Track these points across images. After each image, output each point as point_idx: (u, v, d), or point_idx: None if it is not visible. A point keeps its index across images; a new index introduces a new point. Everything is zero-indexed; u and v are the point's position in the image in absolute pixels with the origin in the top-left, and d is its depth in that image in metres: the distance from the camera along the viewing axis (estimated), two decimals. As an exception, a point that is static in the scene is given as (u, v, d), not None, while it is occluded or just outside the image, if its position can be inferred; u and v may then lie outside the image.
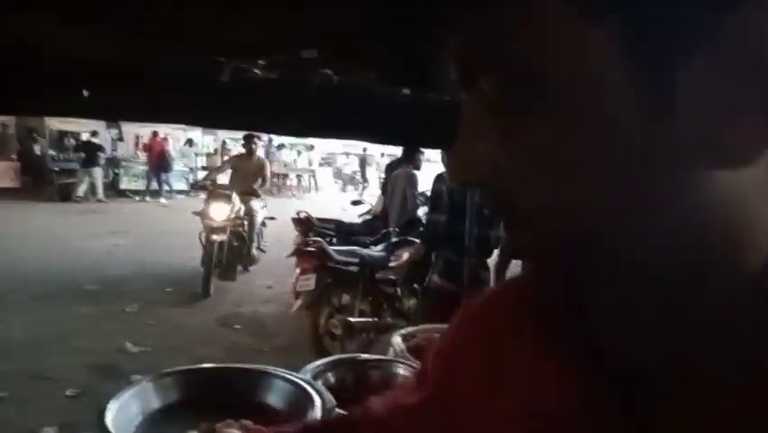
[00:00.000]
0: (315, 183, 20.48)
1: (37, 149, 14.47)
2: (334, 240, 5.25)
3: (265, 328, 5.09)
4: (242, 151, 7.00)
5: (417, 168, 5.29)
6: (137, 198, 14.51)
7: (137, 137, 16.15)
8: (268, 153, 19.26)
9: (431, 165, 6.25)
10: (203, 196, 7.15)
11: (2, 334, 4.35)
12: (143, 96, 0.92)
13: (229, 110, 0.97)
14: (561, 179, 0.31)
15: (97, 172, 13.59)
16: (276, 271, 6.55)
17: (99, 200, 13.44)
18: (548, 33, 0.30)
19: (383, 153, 17.28)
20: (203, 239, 6.02)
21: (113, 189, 14.65)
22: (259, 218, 6.87)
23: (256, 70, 0.84)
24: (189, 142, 16.80)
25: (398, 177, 5.42)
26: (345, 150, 21.57)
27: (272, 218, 7.18)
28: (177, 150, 15.95)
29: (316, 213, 6.02)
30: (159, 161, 14.80)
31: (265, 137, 18.13)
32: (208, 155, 17.67)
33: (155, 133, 15.05)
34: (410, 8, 0.39)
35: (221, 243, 6.02)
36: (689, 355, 0.33)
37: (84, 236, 8.70)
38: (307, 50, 0.73)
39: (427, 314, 2.98)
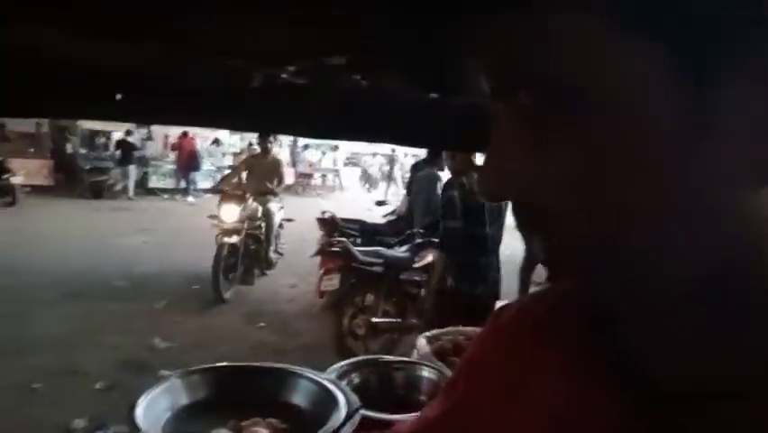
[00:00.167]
0: (340, 183, 20.60)
1: (69, 147, 14.88)
2: (359, 240, 5.27)
3: (289, 327, 5.14)
4: (259, 150, 6.78)
5: (442, 169, 5.29)
6: (165, 197, 14.78)
7: (165, 136, 16.45)
8: (293, 154, 19.47)
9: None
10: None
11: (34, 329, 4.48)
12: (173, 101, 0.94)
13: (257, 114, 0.98)
14: (599, 194, 0.31)
15: (132, 170, 14.04)
16: (299, 271, 6.61)
17: (129, 198, 13.79)
18: (590, 47, 0.30)
19: (406, 154, 17.28)
20: (217, 242, 5.87)
21: (142, 187, 15.00)
22: (276, 220, 6.72)
23: (285, 76, 0.85)
24: (216, 141, 17.05)
25: (423, 178, 5.43)
26: (371, 150, 21.63)
27: (290, 220, 7.09)
28: (204, 149, 16.23)
29: (341, 213, 6.05)
30: (188, 161, 15.11)
31: (290, 138, 18.32)
32: (235, 154, 17.91)
33: (185, 133, 15.33)
34: (440, 17, 0.39)
35: (233, 245, 5.86)
36: (720, 370, 0.33)
37: (113, 234, 8.90)
38: (336, 57, 0.74)
39: (443, 316, 3.00)
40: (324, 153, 20.84)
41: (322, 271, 4.89)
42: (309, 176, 19.49)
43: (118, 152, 14.28)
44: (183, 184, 15.26)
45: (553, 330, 0.44)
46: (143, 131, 15.98)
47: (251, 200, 6.16)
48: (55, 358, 3.95)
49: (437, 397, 0.58)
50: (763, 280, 0.32)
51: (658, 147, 0.29)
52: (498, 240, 3.22)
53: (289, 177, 18.58)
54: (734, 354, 0.33)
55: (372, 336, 4.16)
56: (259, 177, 6.40)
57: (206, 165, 15.94)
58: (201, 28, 0.67)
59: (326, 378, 1.24)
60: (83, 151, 14.84)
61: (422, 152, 6.61)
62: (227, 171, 8.37)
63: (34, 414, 2.99)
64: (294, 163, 19.41)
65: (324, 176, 20.30)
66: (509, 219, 2.95)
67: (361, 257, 4.41)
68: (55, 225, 9.30)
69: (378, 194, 17.15)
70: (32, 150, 14.01)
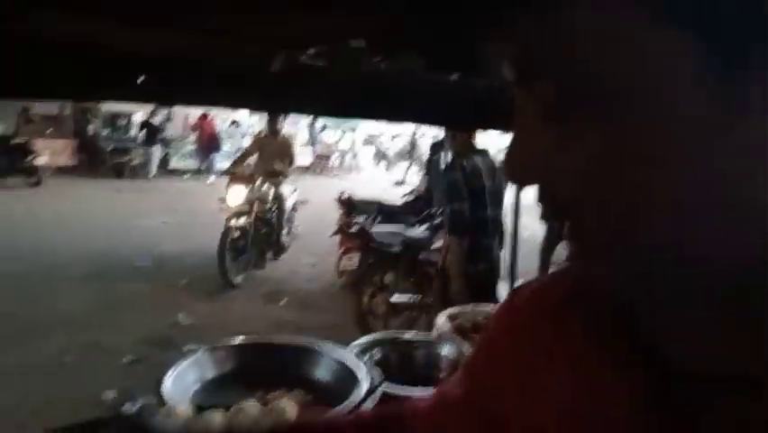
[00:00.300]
0: (358, 163, 20.59)
1: (91, 129, 15.06)
2: (377, 220, 5.30)
3: (309, 305, 5.21)
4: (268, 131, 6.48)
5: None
6: (186, 177, 14.93)
7: (185, 117, 16.54)
8: (311, 134, 19.45)
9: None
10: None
11: (62, 307, 4.60)
12: (195, 84, 0.96)
13: (278, 95, 1.00)
14: (623, 185, 0.31)
15: (156, 151, 14.22)
16: (318, 251, 6.65)
17: (150, 178, 13.98)
18: (617, 35, 0.29)
19: (423, 134, 17.18)
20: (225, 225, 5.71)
21: (162, 168, 15.17)
22: (289, 204, 6.57)
23: (305, 60, 0.86)
24: (235, 122, 17.10)
25: (442, 158, 5.41)
26: (392, 131, 21.54)
27: (304, 202, 6.99)
28: (223, 130, 16.30)
29: (359, 193, 6.06)
30: (209, 142, 15.23)
31: (309, 119, 18.29)
32: (254, 136, 17.94)
33: (204, 115, 15.41)
34: (468, 4, 0.39)
35: (241, 228, 5.72)
36: (747, 356, 0.33)
37: (135, 214, 9.04)
38: (356, 39, 0.75)
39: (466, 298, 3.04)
40: (342, 133, 20.79)
41: (341, 251, 4.94)
42: (327, 157, 19.49)
43: (142, 133, 14.49)
44: (204, 165, 15.40)
45: (570, 315, 0.43)
46: (164, 112, 16.10)
47: (259, 182, 6.02)
48: (82, 335, 4.06)
49: (456, 373, 0.58)
50: None
51: (685, 136, 0.29)
52: (498, 222, 3.24)
53: (307, 157, 18.62)
54: (762, 339, 0.32)
55: (392, 314, 4.20)
56: (268, 158, 6.21)
57: (226, 146, 16.03)
58: (227, 13, 0.69)
59: (349, 353, 1.27)
60: (105, 132, 15.02)
61: (441, 133, 6.57)
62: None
63: (65, 388, 3.09)
64: (312, 144, 19.41)
65: (342, 156, 20.29)
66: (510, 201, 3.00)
67: (379, 237, 4.44)
68: (78, 206, 9.48)
69: (395, 174, 17.11)
70: (55, 131, 14.22)
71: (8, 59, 0.73)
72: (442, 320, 1.61)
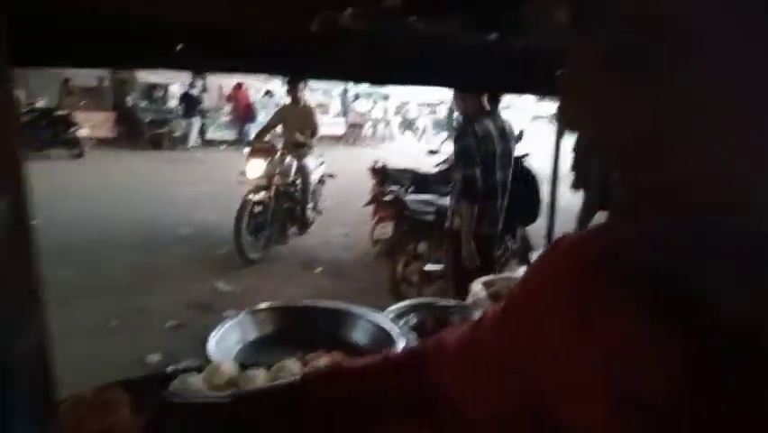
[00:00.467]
0: (391, 132, 20.49)
1: (129, 100, 15.35)
2: (410, 189, 5.29)
3: (344, 273, 5.29)
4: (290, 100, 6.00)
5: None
6: (222, 147, 15.14)
7: (220, 88, 16.69)
8: (344, 104, 19.39)
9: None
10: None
11: (107, 273, 4.79)
12: (232, 51, 0.97)
13: (318, 60, 1.00)
14: (674, 143, 0.30)
15: (196, 122, 14.56)
16: (350, 221, 6.71)
17: (187, 149, 14.26)
18: None
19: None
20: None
21: (200, 138, 15.43)
22: (314, 177, 6.21)
23: (343, 21, 0.86)
24: (269, 92, 17.17)
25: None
26: (424, 99, 21.31)
27: (331, 176, 6.73)
28: (257, 101, 16.41)
29: (392, 162, 6.05)
30: (245, 113, 15.38)
31: (341, 87, 18.20)
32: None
33: (239, 85, 15.53)
34: None
35: (260, 202, 5.47)
36: None
37: (174, 183, 9.25)
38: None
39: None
40: (375, 103, 20.68)
41: (375, 220, 4.96)
42: (360, 126, 19.44)
43: (181, 106, 14.82)
44: (240, 135, 15.59)
45: (607, 274, 0.42)
46: (199, 82, 16.29)
47: (280, 155, 5.71)
48: (127, 300, 4.22)
49: (491, 316, 0.57)
50: None
51: (737, 91, 0.28)
52: (506, 185, 3.23)
53: (340, 127, 18.62)
54: None
55: (426, 283, 4.23)
56: (291, 128, 5.80)
57: (261, 116, 16.16)
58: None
59: (385, 318, 1.29)
60: (142, 104, 15.30)
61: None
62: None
63: (111, 350, 3.23)
64: (345, 113, 19.38)
65: (374, 126, 20.21)
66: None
67: (412, 206, 4.45)
68: (121, 176, 9.74)
69: (427, 144, 16.98)
70: (95, 103, 14.54)
71: (49, 27, 0.75)
72: (478, 287, 1.61)
